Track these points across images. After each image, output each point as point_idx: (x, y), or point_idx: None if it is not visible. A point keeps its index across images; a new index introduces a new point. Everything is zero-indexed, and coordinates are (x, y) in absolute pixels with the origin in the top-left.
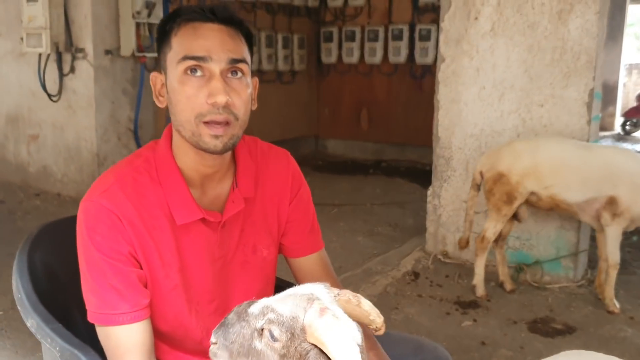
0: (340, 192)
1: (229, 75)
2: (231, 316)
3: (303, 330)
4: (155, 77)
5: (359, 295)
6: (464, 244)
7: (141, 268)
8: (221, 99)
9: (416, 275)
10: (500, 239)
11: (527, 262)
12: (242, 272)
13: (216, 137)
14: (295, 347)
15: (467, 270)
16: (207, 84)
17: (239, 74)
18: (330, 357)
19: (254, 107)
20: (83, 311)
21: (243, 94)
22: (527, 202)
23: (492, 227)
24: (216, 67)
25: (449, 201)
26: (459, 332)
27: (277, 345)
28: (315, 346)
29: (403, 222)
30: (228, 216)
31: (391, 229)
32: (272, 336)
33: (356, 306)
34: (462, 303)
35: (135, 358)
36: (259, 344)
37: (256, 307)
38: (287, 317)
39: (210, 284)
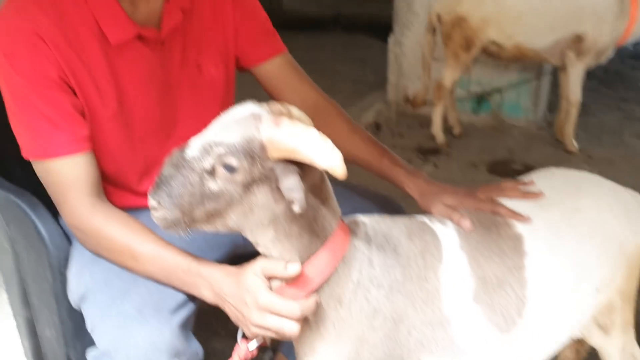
0: (298, 50)
1: None
2: (167, 170)
3: (262, 148)
4: None
5: (286, 104)
6: (419, 102)
7: (75, 95)
8: None
9: (378, 126)
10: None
11: (488, 91)
12: (191, 95)
13: None
14: (259, 170)
15: (427, 119)
16: None
17: None
18: (305, 160)
19: None
20: (19, 159)
21: None
22: (489, 53)
23: (449, 75)
24: None
25: (410, 49)
26: None
27: (238, 176)
28: (279, 160)
29: (364, 77)
30: (166, 30)
31: (352, 84)
32: (230, 168)
33: (288, 114)
34: (423, 150)
35: (81, 191)
36: (214, 185)
37: (192, 149)
38: (240, 143)
39: (156, 111)
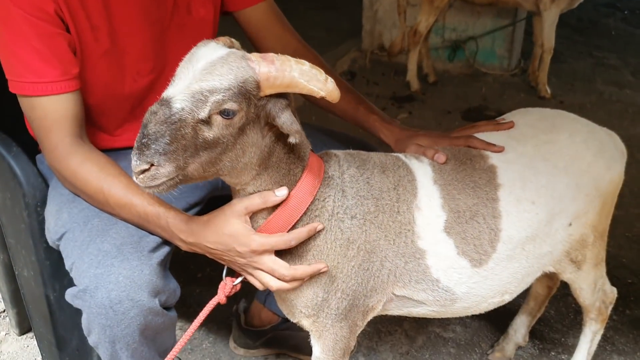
0: None
1: None
2: (153, 127)
3: (257, 87)
4: None
5: (233, 39)
6: (397, 49)
7: (69, 32)
8: None
9: (353, 74)
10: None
11: (463, 40)
12: (180, 35)
13: None
14: (254, 109)
15: (403, 67)
16: None
17: None
18: (303, 90)
19: None
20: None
21: None
22: None
23: (424, 20)
24: None
25: None
26: None
27: (236, 120)
28: (270, 96)
29: (338, 25)
30: None
31: (326, 32)
32: (229, 113)
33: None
34: (398, 98)
35: (63, 131)
36: (210, 134)
37: (180, 101)
38: (236, 86)
39: (149, 50)
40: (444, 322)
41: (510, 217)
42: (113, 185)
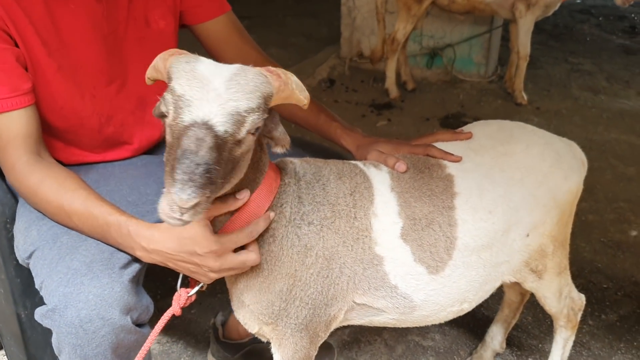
0: (249, 3)
1: None
2: (206, 156)
3: (269, 100)
4: None
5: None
6: (378, 56)
7: (17, 46)
8: None
9: (332, 82)
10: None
11: (441, 47)
12: (140, 49)
13: None
14: (264, 118)
15: (382, 74)
16: None
17: None
18: (295, 100)
19: None
20: None
21: None
22: (440, 6)
23: (402, 28)
24: None
25: (363, 2)
26: (374, 131)
27: (257, 133)
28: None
29: (317, 32)
30: None
31: (305, 39)
32: (257, 130)
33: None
34: (377, 105)
35: (19, 149)
36: (239, 151)
37: (223, 125)
38: (263, 103)
39: (104, 63)
40: (423, 331)
41: (466, 225)
42: (73, 200)
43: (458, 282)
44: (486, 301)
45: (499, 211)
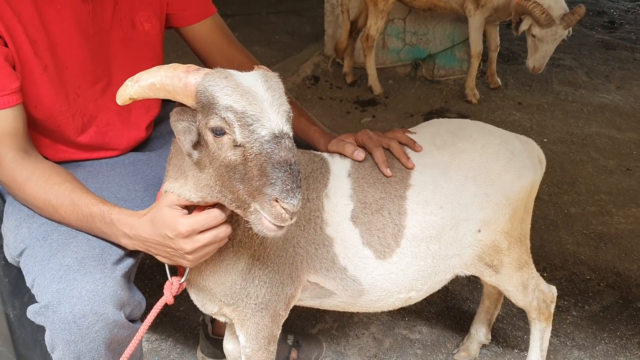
0: (232, 1)
1: None
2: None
3: None
4: None
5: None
6: (342, 47)
7: (6, 46)
8: None
9: (316, 79)
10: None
11: (422, 57)
12: (125, 50)
13: None
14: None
15: (366, 72)
16: None
17: None
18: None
19: None
20: None
21: None
22: (403, 2)
23: (373, 24)
24: None
25: None
26: (359, 128)
27: None
28: None
29: (300, 29)
30: None
31: (289, 37)
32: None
33: None
34: (361, 102)
35: (6, 146)
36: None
37: (287, 128)
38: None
39: (89, 64)
40: (411, 324)
41: (415, 216)
42: (59, 194)
43: (405, 271)
44: (472, 294)
45: (449, 207)
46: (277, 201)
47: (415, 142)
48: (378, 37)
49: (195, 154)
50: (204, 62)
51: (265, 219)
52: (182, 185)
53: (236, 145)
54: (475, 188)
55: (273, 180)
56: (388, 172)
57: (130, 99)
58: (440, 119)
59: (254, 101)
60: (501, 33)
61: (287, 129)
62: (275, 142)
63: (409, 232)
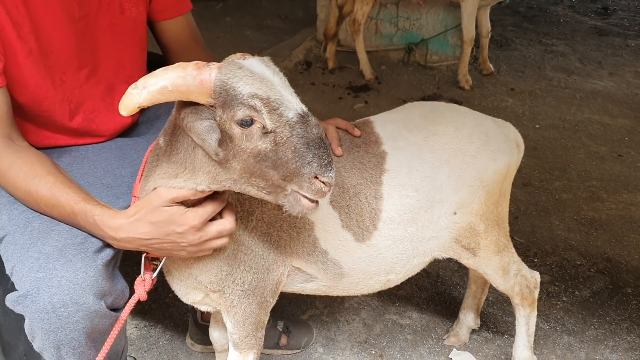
0: None
1: None
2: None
3: None
4: None
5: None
6: (331, 32)
7: None
8: None
9: (308, 64)
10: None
11: (415, 42)
12: (111, 35)
13: None
14: None
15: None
16: None
17: None
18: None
19: None
20: None
21: None
22: None
23: (360, 9)
24: None
25: None
26: (351, 114)
27: None
28: None
29: (293, 14)
30: None
31: (281, 21)
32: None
33: None
34: (353, 87)
35: None
36: None
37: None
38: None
39: (74, 48)
40: (401, 309)
41: (391, 200)
42: (40, 187)
43: (385, 253)
44: (463, 280)
45: (424, 190)
46: (316, 177)
47: (354, 127)
48: (369, 22)
49: (222, 152)
50: (168, 58)
51: (305, 197)
52: (185, 180)
53: (265, 133)
54: (449, 170)
55: (310, 159)
56: (339, 152)
57: (139, 107)
58: (414, 102)
59: (272, 86)
60: (493, 19)
61: (306, 108)
62: (303, 121)
63: (385, 216)
